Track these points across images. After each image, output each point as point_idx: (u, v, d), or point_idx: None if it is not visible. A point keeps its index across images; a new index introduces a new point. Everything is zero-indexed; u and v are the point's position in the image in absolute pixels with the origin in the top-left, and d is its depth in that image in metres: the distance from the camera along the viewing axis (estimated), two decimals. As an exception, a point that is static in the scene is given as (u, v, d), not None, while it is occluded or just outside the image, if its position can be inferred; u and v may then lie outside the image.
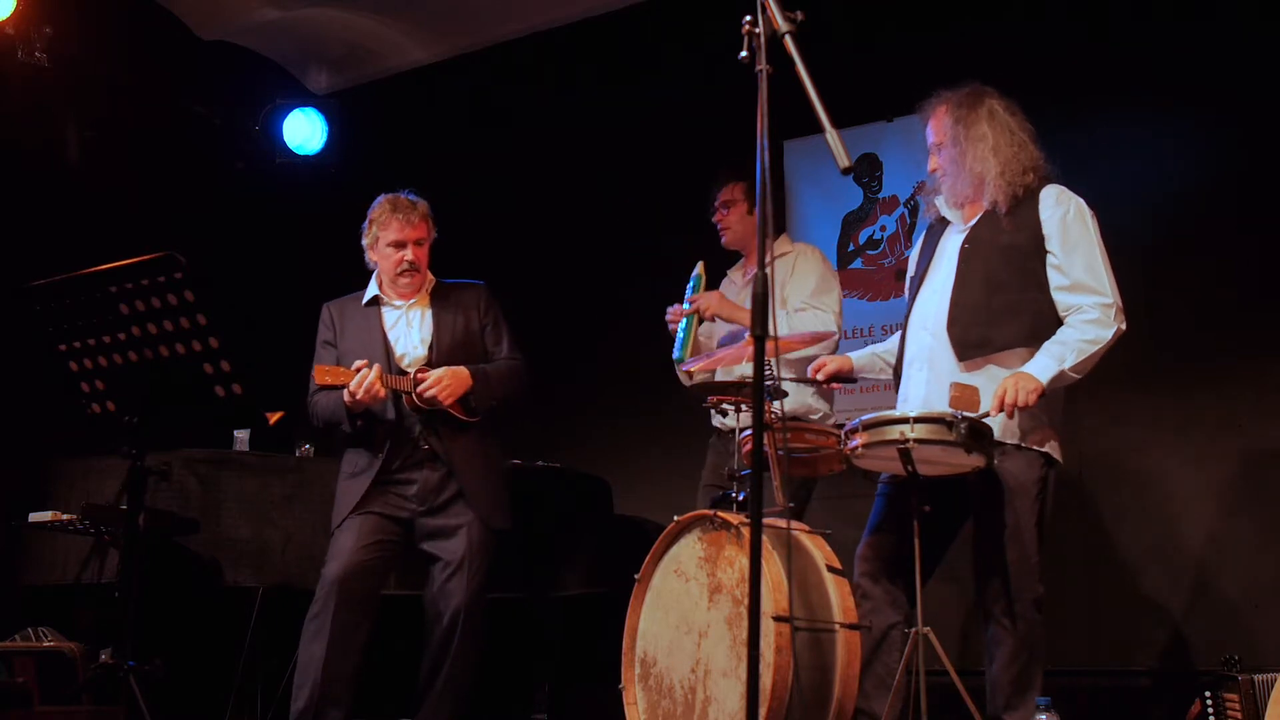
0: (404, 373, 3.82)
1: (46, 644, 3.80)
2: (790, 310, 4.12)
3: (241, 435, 4.82)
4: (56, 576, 4.46)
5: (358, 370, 3.65)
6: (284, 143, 6.20)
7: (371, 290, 3.98)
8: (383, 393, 3.69)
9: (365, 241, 3.97)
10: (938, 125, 3.51)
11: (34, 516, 4.22)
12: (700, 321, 4.18)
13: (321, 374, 3.67)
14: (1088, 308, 3.25)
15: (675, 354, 4.12)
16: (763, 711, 2.90)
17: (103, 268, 3.09)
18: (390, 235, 3.89)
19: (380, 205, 3.95)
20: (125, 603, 3.11)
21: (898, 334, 3.65)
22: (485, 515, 3.79)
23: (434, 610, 3.78)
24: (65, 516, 4.13)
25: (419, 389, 3.73)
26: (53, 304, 3.18)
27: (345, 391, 3.67)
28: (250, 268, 6.01)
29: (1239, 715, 3.36)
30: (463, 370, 3.81)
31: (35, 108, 5.33)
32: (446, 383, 3.75)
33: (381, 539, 3.76)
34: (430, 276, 4.01)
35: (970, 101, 3.46)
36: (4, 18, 4.99)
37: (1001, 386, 3.16)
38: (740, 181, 4.31)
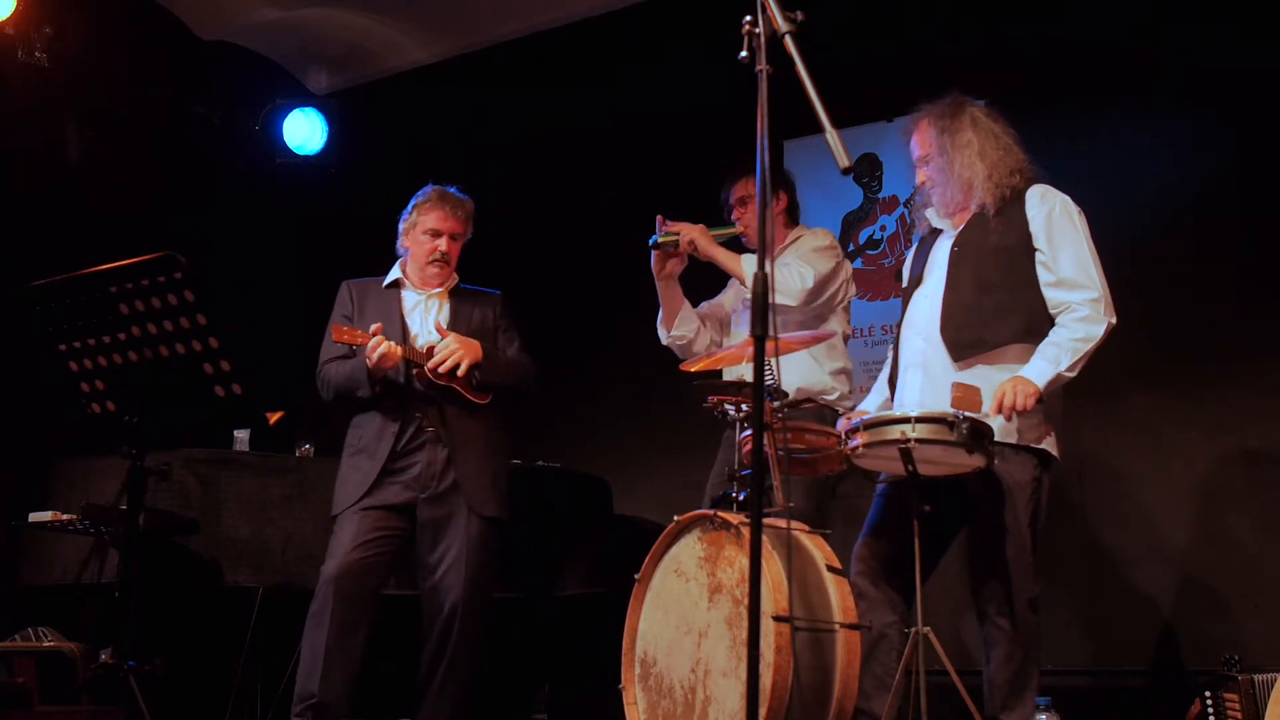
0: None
1: (46, 644, 3.80)
2: (777, 265, 4.02)
3: (241, 435, 4.82)
4: (56, 576, 4.46)
5: (374, 333, 3.69)
6: (284, 143, 6.20)
7: (394, 274, 4.03)
8: (399, 355, 3.72)
9: (403, 225, 4.03)
10: (922, 138, 3.54)
11: (34, 516, 4.22)
12: (677, 248, 4.08)
13: (339, 333, 3.71)
14: (1077, 305, 3.26)
15: (652, 238, 4.07)
16: (763, 711, 2.90)
17: (103, 268, 3.09)
18: (430, 223, 3.96)
19: (428, 192, 4.02)
20: (125, 603, 3.11)
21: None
22: (475, 502, 3.79)
23: (432, 606, 3.79)
24: (65, 516, 4.13)
25: (433, 360, 3.75)
26: (53, 304, 3.18)
27: (365, 355, 3.72)
28: (250, 268, 6.01)
29: (1239, 715, 3.36)
30: (475, 341, 3.84)
31: (35, 108, 5.33)
32: (456, 346, 3.77)
33: (381, 535, 3.75)
34: (455, 276, 4.07)
35: (952, 111, 3.50)
36: (4, 18, 4.99)
37: (1000, 390, 3.17)
38: (754, 176, 4.26)
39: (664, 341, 4.30)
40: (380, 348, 3.68)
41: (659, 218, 4.10)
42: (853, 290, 4.30)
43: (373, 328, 3.71)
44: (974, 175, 3.42)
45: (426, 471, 3.79)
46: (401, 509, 3.79)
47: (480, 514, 3.80)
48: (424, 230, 3.96)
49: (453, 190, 4.03)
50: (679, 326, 4.25)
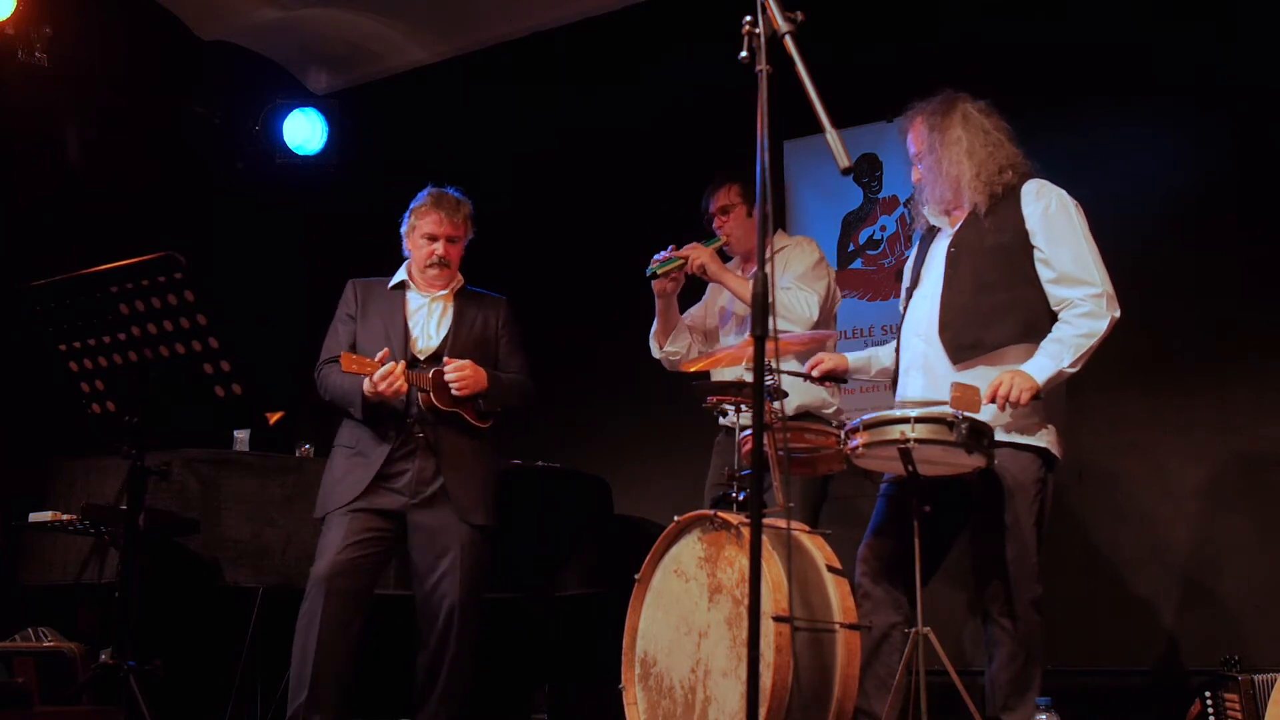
0: (417, 359, 3.86)
1: (46, 644, 3.80)
2: (778, 289, 4.00)
3: (241, 435, 4.82)
4: (56, 576, 4.46)
5: (381, 360, 3.68)
6: (284, 143, 6.20)
7: (399, 276, 4.03)
8: (405, 388, 3.72)
9: (403, 229, 4.03)
10: (916, 136, 3.54)
11: (34, 516, 4.22)
12: (684, 270, 4.06)
13: (349, 362, 3.70)
14: (1079, 301, 3.25)
15: (649, 268, 4.05)
16: (763, 711, 2.90)
17: (102, 268, 3.09)
18: (427, 227, 3.96)
19: (424, 196, 4.02)
20: (125, 603, 3.11)
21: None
22: (463, 510, 3.79)
23: (428, 611, 3.79)
24: (65, 516, 4.13)
25: (445, 372, 3.75)
26: (53, 304, 3.18)
27: (366, 381, 3.71)
28: (250, 268, 6.01)
29: (1239, 715, 3.36)
30: (482, 371, 3.85)
31: (35, 108, 5.33)
32: (469, 373, 3.78)
33: (371, 536, 3.75)
34: (460, 278, 4.06)
35: (944, 108, 3.49)
36: (4, 18, 4.99)
37: (997, 379, 3.16)
38: (735, 184, 4.21)
39: (656, 355, 4.30)
40: (394, 383, 3.67)
41: (670, 247, 4.09)
42: (839, 296, 4.30)
43: (379, 355, 3.71)
44: (961, 173, 3.40)
45: (416, 478, 3.80)
46: (390, 514, 3.79)
47: (469, 522, 3.81)
48: (421, 234, 3.96)
49: (451, 191, 4.02)
50: (673, 343, 4.26)
